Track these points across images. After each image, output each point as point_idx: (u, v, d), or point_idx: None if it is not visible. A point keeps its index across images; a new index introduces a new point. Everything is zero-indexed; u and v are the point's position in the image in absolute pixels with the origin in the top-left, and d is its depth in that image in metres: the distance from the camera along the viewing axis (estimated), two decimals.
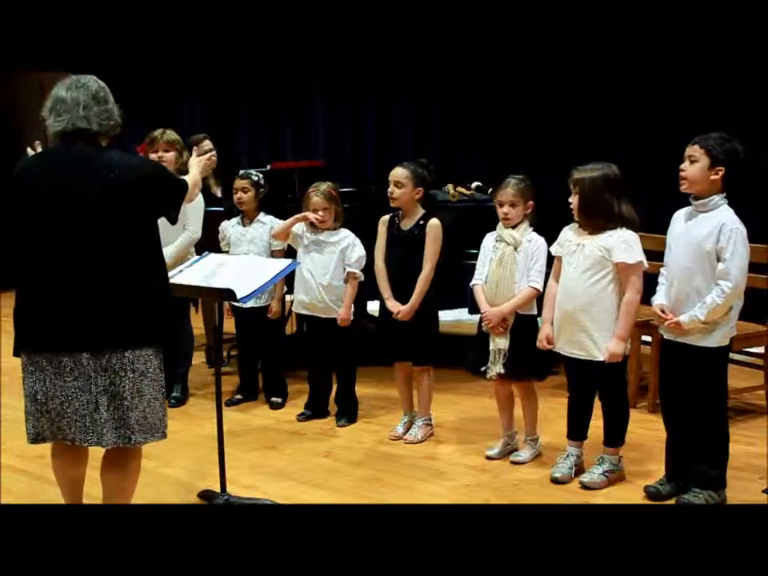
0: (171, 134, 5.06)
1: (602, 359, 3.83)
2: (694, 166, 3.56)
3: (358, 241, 4.77)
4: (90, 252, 2.99)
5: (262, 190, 5.06)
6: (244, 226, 5.11)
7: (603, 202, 3.81)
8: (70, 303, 2.99)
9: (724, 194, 3.57)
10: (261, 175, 5.11)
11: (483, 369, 4.20)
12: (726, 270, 3.51)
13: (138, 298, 3.05)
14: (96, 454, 3.27)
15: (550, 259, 4.12)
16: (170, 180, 3.31)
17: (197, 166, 3.65)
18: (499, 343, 4.15)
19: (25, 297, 3.09)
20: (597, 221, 3.84)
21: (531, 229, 4.19)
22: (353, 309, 4.84)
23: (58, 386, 3.04)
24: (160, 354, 3.17)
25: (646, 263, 3.84)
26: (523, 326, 4.13)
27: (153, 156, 4.98)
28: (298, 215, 4.75)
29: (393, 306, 4.49)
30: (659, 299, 3.72)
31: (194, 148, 3.97)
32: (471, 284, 4.29)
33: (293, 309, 5.09)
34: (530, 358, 4.09)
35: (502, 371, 4.15)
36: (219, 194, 5.75)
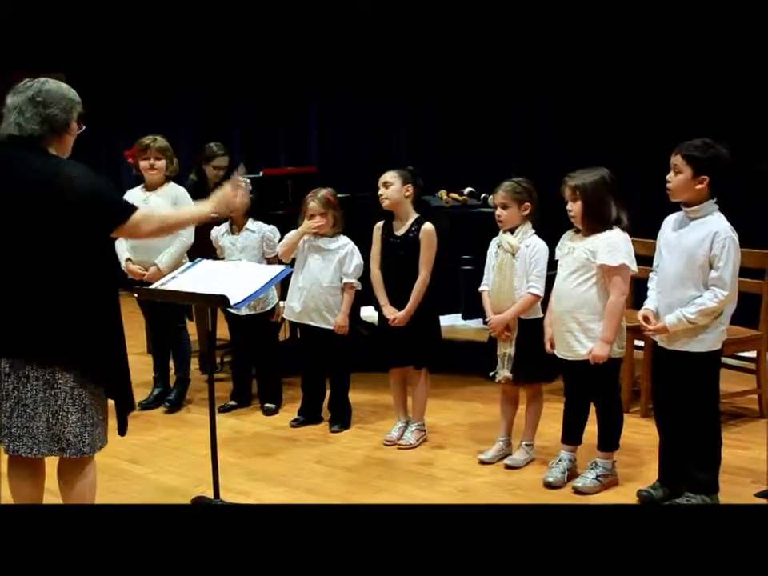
0: (162, 141, 5.08)
1: (586, 359, 3.85)
2: (678, 176, 3.55)
3: (356, 249, 4.76)
4: (9, 257, 2.96)
5: (250, 196, 5.03)
6: (233, 233, 5.09)
7: (606, 204, 3.83)
8: None
9: (714, 200, 3.56)
10: (248, 181, 5.07)
11: (492, 373, 4.23)
12: (721, 277, 3.51)
13: (46, 309, 2.95)
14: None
15: (552, 263, 4.12)
16: (109, 202, 3.08)
17: (215, 203, 3.38)
18: (505, 348, 4.18)
19: None
20: (599, 224, 3.85)
21: (532, 232, 4.18)
22: None
23: None
24: (76, 369, 3.01)
25: (634, 267, 3.84)
26: (528, 331, 4.13)
27: (144, 163, 5.03)
28: (300, 230, 4.73)
29: (389, 312, 4.50)
30: (646, 305, 3.73)
31: (233, 178, 3.50)
32: (479, 289, 4.32)
33: (284, 315, 5.09)
34: (537, 361, 4.11)
35: (510, 375, 4.17)
36: None
